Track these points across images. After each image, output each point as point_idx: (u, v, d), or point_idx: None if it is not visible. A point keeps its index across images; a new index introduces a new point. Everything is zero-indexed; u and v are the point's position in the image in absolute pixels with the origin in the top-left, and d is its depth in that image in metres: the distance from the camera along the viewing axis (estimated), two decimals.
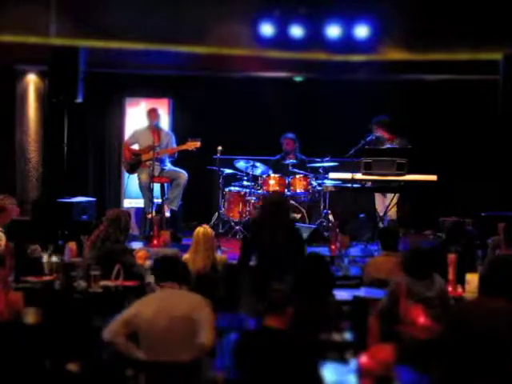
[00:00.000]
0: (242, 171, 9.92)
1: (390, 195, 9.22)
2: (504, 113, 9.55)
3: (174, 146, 9.68)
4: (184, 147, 9.43)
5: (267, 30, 10.03)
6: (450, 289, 5.65)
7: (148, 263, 6.52)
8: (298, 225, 9.12)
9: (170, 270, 4.80)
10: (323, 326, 4.65)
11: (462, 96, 10.52)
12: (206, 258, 6.38)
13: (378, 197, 9.38)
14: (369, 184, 8.89)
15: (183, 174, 9.56)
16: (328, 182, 9.40)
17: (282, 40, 10.01)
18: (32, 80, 10.45)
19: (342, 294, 5.29)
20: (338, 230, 7.83)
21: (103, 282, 5.73)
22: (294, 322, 4.24)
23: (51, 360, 4.50)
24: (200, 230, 6.53)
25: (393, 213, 9.24)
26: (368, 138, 9.23)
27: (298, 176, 9.69)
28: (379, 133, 9.39)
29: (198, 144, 9.31)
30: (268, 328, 4.11)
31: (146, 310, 4.50)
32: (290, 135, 10.07)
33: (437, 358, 3.98)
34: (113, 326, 4.45)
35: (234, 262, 6.82)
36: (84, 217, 9.16)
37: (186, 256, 6.47)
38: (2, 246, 6.34)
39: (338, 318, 4.86)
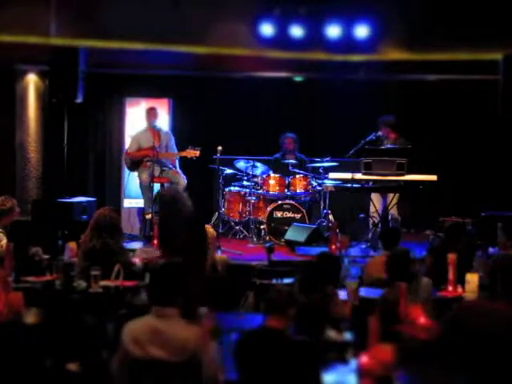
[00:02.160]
0: (242, 171, 9.92)
1: (389, 195, 9.21)
2: (504, 113, 9.56)
3: (173, 145, 9.70)
4: (184, 154, 9.44)
5: (267, 29, 10.03)
6: (450, 288, 5.65)
7: None
8: (298, 225, 9.16)
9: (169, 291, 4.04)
10: (330, 324, 4.65)
11: (462, 96, 10.52)
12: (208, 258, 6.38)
13: (375, 197, 9.34)
14: (369, 184, 8.90)
15: (183, 180, 9.55)
16: (328, 182, 9.40)
17: (282, 40, 10.02)
18: (32, 80, 10.45)
19: (342, 294, 5.28)
20: (337, 230, 7.82)
21: (103, 282, 5.73)
22: (300, 320, 4.23)
23: (51, 360, 4.50)
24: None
25: (394, 210, 9.20)
26: (368, 138, 9.22)
27: (297, 176, 9.69)
28: (384, 132, 9.34)
29: (198, 153, 9.32)
30: (268, 328, 4.10)
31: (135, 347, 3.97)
32: (291, 134, 10.07)
33: (435, 359, 3.99)
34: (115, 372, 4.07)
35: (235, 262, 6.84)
36: (84, 217, 9.15)
37: None
38: (3, 247, 6.34)
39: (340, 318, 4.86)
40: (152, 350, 3.95)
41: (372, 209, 9.22)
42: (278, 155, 10.13)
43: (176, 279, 4.08)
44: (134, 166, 9.66)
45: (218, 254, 6.85)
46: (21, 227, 6.89)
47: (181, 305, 4.03)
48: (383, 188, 8.97)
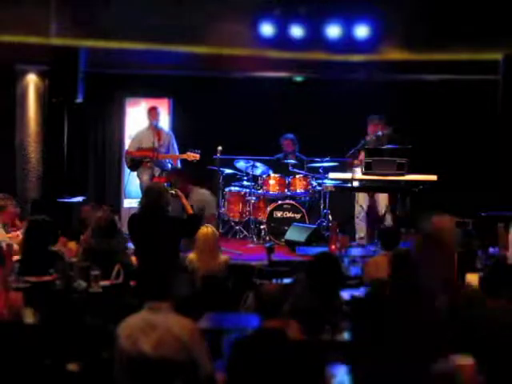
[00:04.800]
0: (242, 171, 9.92)
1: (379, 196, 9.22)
2: (504, 113, 9.55)
3: (175, 145, 9.70)
4: (184, 157, 9.47)
5: (267, 29, 10.03)
6: None
7: None
8: (298, 225, 9.16)
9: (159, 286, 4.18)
10: (330, 325, 4.64)
11: (462, 96, 10.52)
12: (211, 259, 6.40)
13: (362, 196, 9.36)
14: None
15: None
16: (328, 182, 9.40)
17: (282, 40, 10.02)
18: (32, 80, 10.44)
19: (342, 294, 5.28)
20: (337, 230, 7.82)
21: (103, 282, 5.72)
22: (302, 321, 4.23)
23: (51, 360, 4.50)
24: (203, 229, 6.54)
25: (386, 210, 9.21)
26: (368, 138, 9.21)
27: (297, 176, 9.69)
28: (376, 128, 9.29)
29: (198, 157, 9.36)
30: (267, 330, 4.06)
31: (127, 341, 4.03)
32: (289, 136, 10.07)
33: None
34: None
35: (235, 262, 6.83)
36: None
37: (190, 256, 6.49)
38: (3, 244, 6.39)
39: (340, 318, 4.85)
40: (144, 342, 3.97)
41: (357, 209, 9.27)
42: (278, 156, 10.13)
43: (166, 274, 4.29)
44: (135, 165, 9.66)
45: (220, 255, 6.83)
46: (40, 225, 6.94)
47: (173, 299, 4.12)
48: (383, 188, 8.96)
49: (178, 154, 9.73)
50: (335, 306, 4.93)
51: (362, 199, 9.36)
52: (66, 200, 9.36)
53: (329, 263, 5.12)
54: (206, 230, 6.56)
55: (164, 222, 6.27)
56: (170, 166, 9.71)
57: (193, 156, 9.37)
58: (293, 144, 10.06)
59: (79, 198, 9.60)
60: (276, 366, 3.88)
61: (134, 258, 6.50)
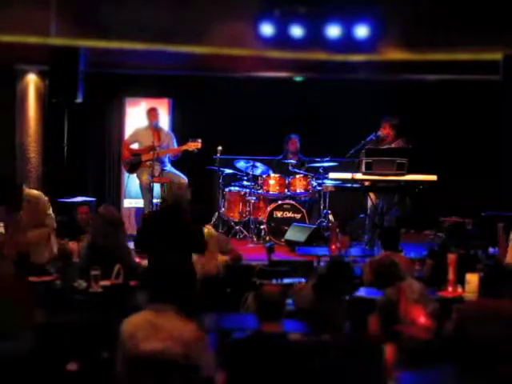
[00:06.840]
0: (242, 171, 9.92)
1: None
2: (504, 113, 9.56)
3: (175, 146, 9.69)
4: (185, 147, 9.44)
5: (267, 30, 10.04)
6: (450, 289, 5.65)
7: None
8: (298, 225, 9.16)
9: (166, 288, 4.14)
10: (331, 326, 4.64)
11: (462, 96, 10.52)
12: (212, 259, 6.39)
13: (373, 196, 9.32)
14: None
15: (183, 180, 9.55)
16: (328, 182, 9.40)
17: (282, 40, 10.03)
18: (32, 80, 10.44)
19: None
20: (337, 230, 7.82)
21: (103, 282, 5.72)
22: (311, 322, 4.22)
23: (51, 360, 4.50)
24: (204, 230, 6.53)
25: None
26: (368, 138, 9.20)
27: (298, 176, 9.70)
28: (386, 131, 9.22)
29: (199, 145, 9.32)
30: (264, 333, 4.04)
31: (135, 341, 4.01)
32: (294, 135, 10.08)
33: (443, 358, 3.99)
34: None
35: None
36: None
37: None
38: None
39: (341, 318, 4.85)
40: (147, 343, 3.95)
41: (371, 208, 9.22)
42: (280, 156, 10.13)
43: (173, 278, 4.16)
44: (133, 168, 9.67)
45: (220, 255, 6.84)
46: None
47: (178, 302, 4.08)
48: (383, 188, 8.95)
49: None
50: (341, 308, 4.92)
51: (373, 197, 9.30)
52: (66, 200, 9.34)
53: (343, 270, 5.12)
54: (206, 230, 6.55)
55: (184, 223, 6.26)
56: (169, 164, 9.71)
57: (194, 145, 9.34)
58: (297, 144, 10.06)
59: (79, 198, 9.59)
60: (275, 367, 3.87)
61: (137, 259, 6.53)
